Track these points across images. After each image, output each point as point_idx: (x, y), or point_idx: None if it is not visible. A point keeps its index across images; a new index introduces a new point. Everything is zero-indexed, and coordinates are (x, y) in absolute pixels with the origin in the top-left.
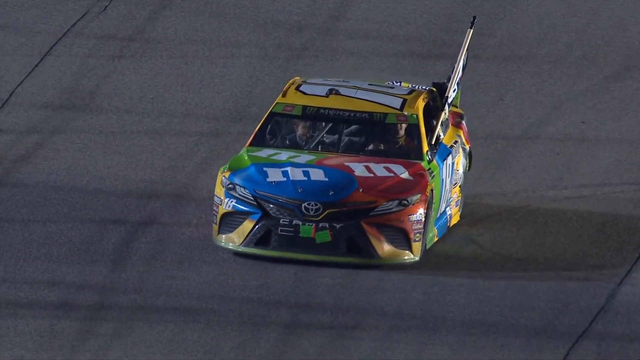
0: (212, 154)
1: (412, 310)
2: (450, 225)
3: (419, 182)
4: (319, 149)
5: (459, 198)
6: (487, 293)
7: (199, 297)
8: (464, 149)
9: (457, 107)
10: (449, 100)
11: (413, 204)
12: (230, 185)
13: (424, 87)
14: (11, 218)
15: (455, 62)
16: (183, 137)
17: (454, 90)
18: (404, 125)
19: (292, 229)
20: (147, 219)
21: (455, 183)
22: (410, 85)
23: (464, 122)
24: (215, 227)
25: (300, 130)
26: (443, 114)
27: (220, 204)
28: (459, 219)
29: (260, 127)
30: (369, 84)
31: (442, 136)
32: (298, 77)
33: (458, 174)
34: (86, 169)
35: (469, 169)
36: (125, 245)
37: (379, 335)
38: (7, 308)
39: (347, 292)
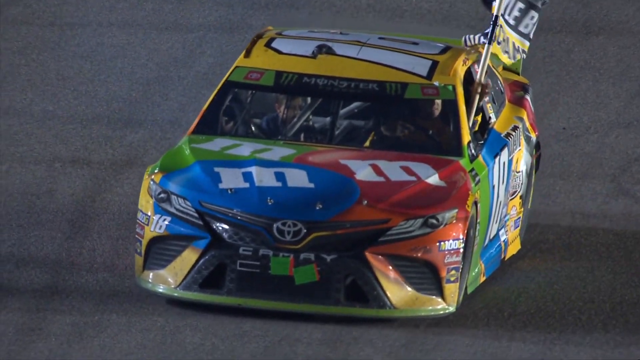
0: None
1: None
2: (506, 257)
3: (456, 191)
4: (301, 139)
5: (520, 215)
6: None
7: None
8: (527, 140)
9: (517, 74)
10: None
11: (446, 225)
12: (162, 195)
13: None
14: None
15: None
16: (180, 34)
17: (525, 34)
18: (434, 103)
19: (258, 263)
20: (93, 186)
21: (515, 191)
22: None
23: (528, 97)
24: (139, 259)
25: (274, 109)
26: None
27: (147, 224)
28: (519, 247)
29: (209, 104)
30: (380, 38)
31: (492, 119)
32: (270, 27)
33: (518, 177)
34: None
35: (535, 171)
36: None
37: None
38: None
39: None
